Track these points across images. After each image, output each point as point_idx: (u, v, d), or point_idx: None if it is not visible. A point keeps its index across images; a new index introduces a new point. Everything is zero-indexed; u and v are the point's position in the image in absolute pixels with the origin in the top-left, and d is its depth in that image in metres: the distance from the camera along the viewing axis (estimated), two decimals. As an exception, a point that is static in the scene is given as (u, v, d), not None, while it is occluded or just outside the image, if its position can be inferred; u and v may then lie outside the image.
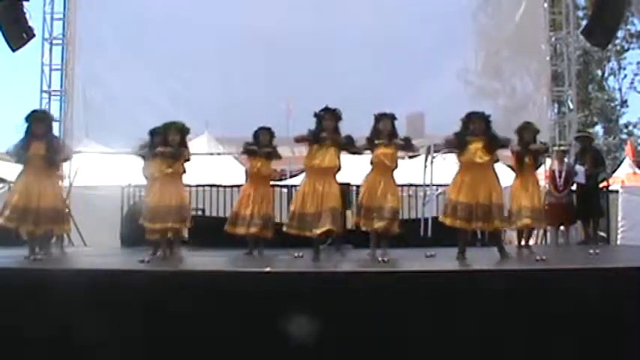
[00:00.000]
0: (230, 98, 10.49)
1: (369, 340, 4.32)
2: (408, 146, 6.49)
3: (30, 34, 9.97)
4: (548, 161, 9.27)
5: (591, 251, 6.53)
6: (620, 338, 4.34)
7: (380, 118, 6.43)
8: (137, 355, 4.42)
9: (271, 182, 7.51)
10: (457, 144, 5.96)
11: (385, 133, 6.40)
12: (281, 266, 5.69)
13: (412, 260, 6.13)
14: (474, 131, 5.89)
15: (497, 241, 6.19)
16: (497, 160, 6.16)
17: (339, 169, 6.18)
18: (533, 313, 4.35)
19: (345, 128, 6.31)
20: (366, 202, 6.32)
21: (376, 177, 6.38)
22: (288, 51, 10.72)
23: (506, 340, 4.32)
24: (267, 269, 4.97)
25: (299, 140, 6.39)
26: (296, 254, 6.45)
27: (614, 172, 14.05)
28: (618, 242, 9.10)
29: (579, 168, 8.60)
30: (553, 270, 5.05)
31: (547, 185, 8.86)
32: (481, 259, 6.04)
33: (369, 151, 6.43)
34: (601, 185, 9.21)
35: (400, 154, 6.60)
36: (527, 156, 6.92)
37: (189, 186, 7.77)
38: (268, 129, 7.08)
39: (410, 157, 9.57)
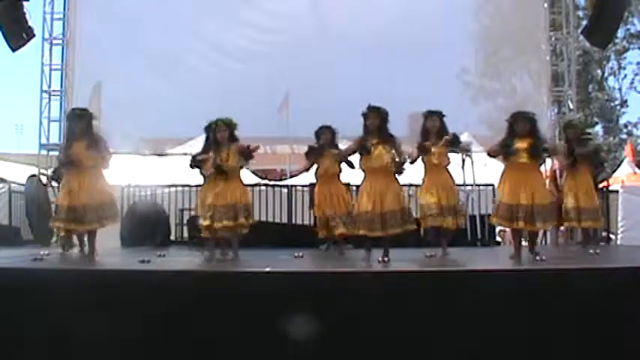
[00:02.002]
0: (230, 98, 10.49)
1: (369, 340, 4.32)
2: (456, 144, 6.45)
3: (30, 34, 9.97)
4: (549, 161, 9.26)
5: (591, 251, 6.53)
6: (621, 338, 4.34)
7: (427, 116, 6.43)
8: (137, 355, 4.42)
9: (272, 182, 7.50)
10: (503, 152, 5.84)
11: (434, 131, 6.39)
12: (281, 266, 5.68)
13: (412, 260, 6.14)
14: (519, 132, 5.78)
15: (532, 243, 6.03)
16: (543, 162, 6.06)
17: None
18: (533, 313, 4.35)
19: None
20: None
21: (431, 176, 6.38)
22: (288, 51, 10.73)
23: (506, 340, 4.32)
24: (267, 269, 4.97)
25: (348, 155, 6.36)
26: (296, 254, 6.45)
27: (614, 172, 14.04)
28: (618, 242, 9.10)
29: None
30: (553, 270, 5.05)
31: (548, 185, 8.86)
32: (481, 259, 6.04)
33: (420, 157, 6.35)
34: (601, 185, 9.20)
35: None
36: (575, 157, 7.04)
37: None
38: (329, 127, 6.95)
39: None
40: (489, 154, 6.11)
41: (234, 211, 6.09)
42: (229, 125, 6.27)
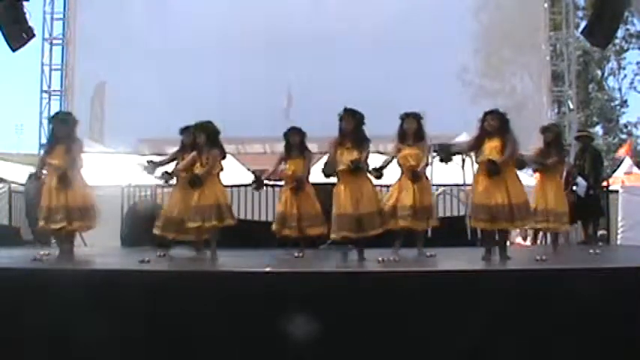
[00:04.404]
0: (230, 98, 10.49)
1: (369, 340, 4.32)
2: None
3: (30, 34, 9.98)
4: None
5: (591, 251, 6.53)
6: (621, 338, 4.34)
7: (404, 118, 6.46)
8: (137, 355, 4.42)
9: (272, 182, 7.49)
10: (473, 146, 5.89)
11: (410, 133, 6.41)
12: (281, 266, 5.68)
13: (412, 260, 6.13)
14: (488, 130, 5.76)
15: (503, 241, 5.99)
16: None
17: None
18: (534, 313, 4.35)
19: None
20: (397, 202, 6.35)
21: (405, 178, 6.37)
22: (288, 52, 10.74)
23: (506, 340, 4.32)
24: (267, 269, 4.97)
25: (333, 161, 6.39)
26: (296, 254, 6.44)
27: (614, 172, 14.04)
28: (618, 242, 9.10)
29: (581, 182, 8.58)
30: (553, 270, 5.05)
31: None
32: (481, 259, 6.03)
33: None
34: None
35: None
36: (549, 158, 6.96)
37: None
38: (298, 129, 6.91)
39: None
40: (466, 147, 6.22)
41: (214, 210, 6.10)
42: (206, 129, 6.29)
